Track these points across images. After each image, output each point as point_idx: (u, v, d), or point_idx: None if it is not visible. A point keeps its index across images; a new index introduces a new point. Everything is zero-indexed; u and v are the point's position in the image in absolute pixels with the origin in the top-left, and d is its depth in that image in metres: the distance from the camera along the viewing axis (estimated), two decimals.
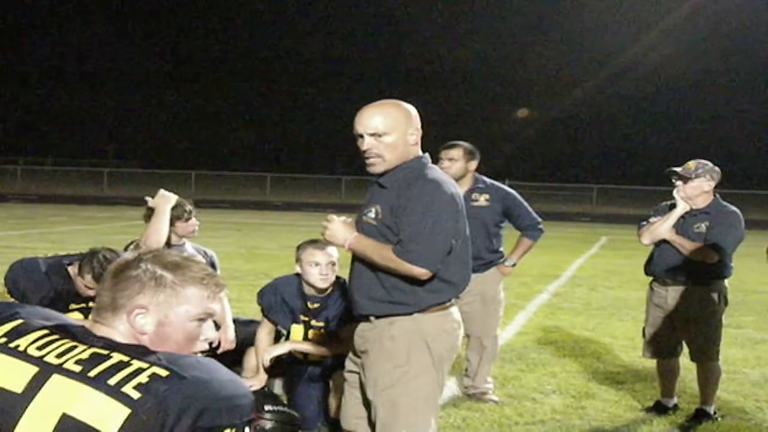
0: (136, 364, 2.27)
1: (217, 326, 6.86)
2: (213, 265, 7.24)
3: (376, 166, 4.25)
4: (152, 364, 2.28)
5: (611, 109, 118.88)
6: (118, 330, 2.44)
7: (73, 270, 5.86)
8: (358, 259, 4.36)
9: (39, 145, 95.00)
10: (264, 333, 6.38)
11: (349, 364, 4.62)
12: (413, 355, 4.23)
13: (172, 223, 7.04)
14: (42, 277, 5.80)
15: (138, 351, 2.35)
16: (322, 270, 6.04)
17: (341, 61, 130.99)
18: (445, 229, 4.12)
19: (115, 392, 2.20)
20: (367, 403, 4.41)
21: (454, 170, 7.18)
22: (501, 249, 7.47)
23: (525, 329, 10.69)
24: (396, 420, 4.24)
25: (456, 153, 7.25)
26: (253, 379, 6.23)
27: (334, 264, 6.06)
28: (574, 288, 15.00)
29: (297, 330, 6.29)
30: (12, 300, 5.70)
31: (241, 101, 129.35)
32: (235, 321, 7.05)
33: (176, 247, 6.97)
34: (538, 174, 62.12)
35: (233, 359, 6.58)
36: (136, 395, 2.19)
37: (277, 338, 6.54)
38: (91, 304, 5.74)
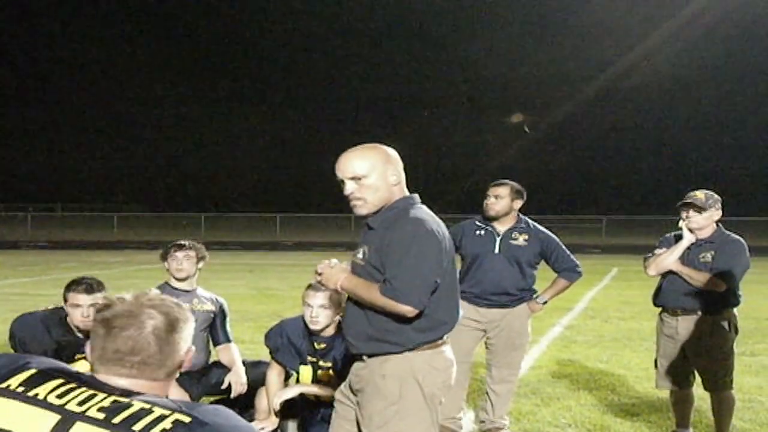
0: (158, 411, 2.32)
1: (228, 370, 6.91)
2: (223, 312, 7.27)
3: (360, 208, 4.32)
4: (173, 410, 2.33)
5: (618, 139, 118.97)
6: (141, 382, 2.49)
7: (70, 320, 5.92)
8: (349, 299, 4.42)
9: (48, 192, 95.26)
10: (273, 374, 6.39)
11: (338, 395, 4.68)
12: (405, 393, 4.28)
13: (165, 259, 7.14)
14: (41, 331, 5.87)
15: (157, 398, 2.40)
16: (312, 312, 6.04)
17: (349, 97, 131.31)
18: (429, 267, 4.15)
19: None
20: None
21: (499, 207, 7.24)
22: (533, 287, 7.47)
23: (539, 363, 10.66)
24: None
25: (503, 191, 7.30)
26: (265, 422, 6.24)
27: (325, 307, 6.03)
28: (587, 320, 14.96)
29: (305, 371, 6.29)
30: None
31: (249, 142, 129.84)
32: (243, 363, 7.06)
33: (187, 293, 6.99)
34: (548, 207, 62.02)
35: (245, 401, 6.60)
36: None
37: (288, 378, 6.55)
38: None
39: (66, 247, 37.70)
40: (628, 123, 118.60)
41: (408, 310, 4.13)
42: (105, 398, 2.36)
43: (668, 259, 6.78)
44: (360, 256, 4.37)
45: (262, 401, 6.50)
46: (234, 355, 7.08)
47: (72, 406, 2.33)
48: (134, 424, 2.27)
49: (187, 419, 2.31)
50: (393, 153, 4.40)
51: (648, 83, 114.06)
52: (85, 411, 2.31)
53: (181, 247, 7.14)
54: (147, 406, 2.34)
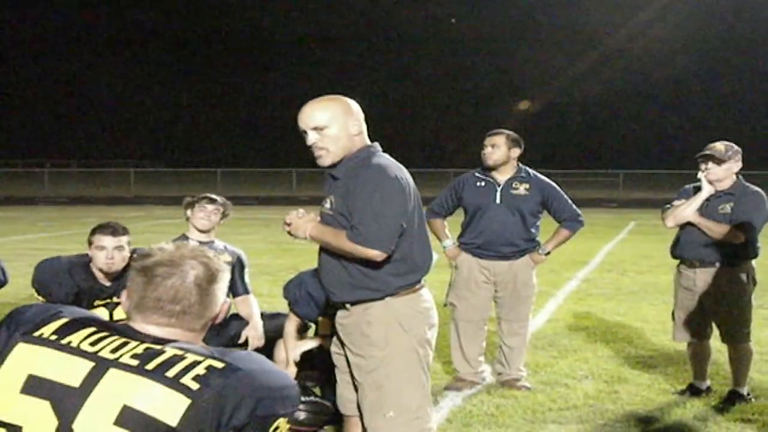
0: (191, 357, 2.36)
1: (246, 323, 6.94)
2: (241, 263, 7.27)
3: (324, 158, 4.42)
4: (206, 357, 2.38)
5: (634, 94, 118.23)
6: (178, 331, 2.53)
7: (94, 265, 5.96)
8: (323, 249, 4.52)
9: (65, 148, 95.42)
10: (291, 326, 6.42)
11: (333, 348, 4.78)
12: (391, 339, 4.39)
13: (191, 208, 7.17)
14: (64, 274, 5.93)
15: (189, 345, 2.45)
16: None
17: (359, 59, 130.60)
18: (393, 211, 4.24)
19: (175, 384, 2.29)
20: (356, 387, 4.57)
21: (496, 157, 7.24)
22: (537, 238, 7.46)
23: (555, 316, 10.69)
24: (383, 402, 4.40)
25: (499, 140, 7.29)
26: None
27: None
28: (604, 273, 14.99)
29: (324, 322, 6.31)
30: (40, 298, 5.85)
31: (264, 97, 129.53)
32: (261, 315, 7.09)
33: (204, 244, 7.01)
34: (564, 161, 61.94)
35: (264, 353, 6.62)
36: (195, 386, 2.28)
37: (306, 330, 6.58)
38: (115, 299, 5.86)
39: (84, 202, 37.83)
40: (644, 76, 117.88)
41: (376, 254, 4.22)
42: (138, 345, 2.40)
43: (687, 210, 6.76)
44: (327, 206, 4.48)
45: (280, 353, 6.53)
46: (252, 307, 7.10)
47: (105, 353, 2.37)
48: (168, 370, 2.31)
49: (220, 365, 2.35)
50: (353, 104, 4.49)
51: (665, 36, 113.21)
52: (119, 358, 2.35)
53: (213, 200, 7.17)
54: (180, 352, 2.38)
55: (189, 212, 7.20)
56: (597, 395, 6.99)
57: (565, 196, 7.47)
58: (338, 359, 4.71)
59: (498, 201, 7.29)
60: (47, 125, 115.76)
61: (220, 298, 2.62)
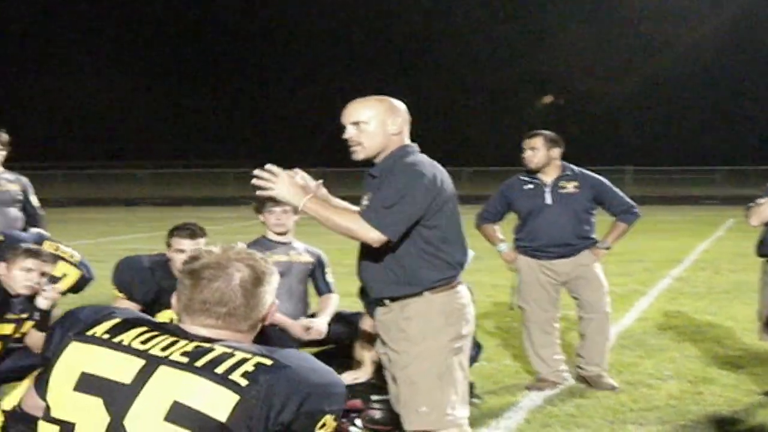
0: (240, 354, 2.42)
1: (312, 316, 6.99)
2: (321, 263, 7.29)
3: (357, 153, 4.51)
4: (254, 354, 2.43)
5: (734, 88, 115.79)
6: (225, 332, 2.59)
7: (173, 265, 6.07)
8: (364, 246, 4.53)
9: (166, 148, 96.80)
10: (367, 326, 6.48)
11: (378, 347, 4.85)
12: (428, 335, 4.43)
13: (260, 212, 7.19)
14: (146, 273, 6.06)
15: (238, 343, 2.50)
16: None
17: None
18: (411, 201, 4.29)
19: (224, 380, 2.34)
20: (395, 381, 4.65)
21: (537, 159, 7.23)
22: (593, 236, 7.40)
23: (645, 315, 10.59)
24: (415, 397, 4.45)
25: (537, 142, 7.27)
26: (359, 371, 6.33)
27: None
28: (698, 272, 14.79)
29: None
30: (121, 296, 5.98)
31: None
32: (340, 314, 7.11)
33: (284, 245, 7.06)
34: (662, 159, 60.94)
35: (342, 351, 6.69)
36: (243, 383, 2.34)
37: None
38: None
39: (185, 203, 38.46)
40: (742, 70, 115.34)
41: (376, 237, 4.27)
42: (187, 344, 2.46)
43: None
44: (366, 203, 4.53)
45: (358, 352, 6.60)
46: (328, 304, 7.12)
47: (156, 351, 2.44)
48: (217, 366, 2.37)
49: (268, 362, 2.40)
50: (399, 105, 4.57)
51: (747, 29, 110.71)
52: (169, 355, 2.42)
53: (279, 201, 7.15)
54: (228, 350, 2.43)
55: (261, 217, 7.22)
56: (680, 396, 6.91)
57: (615, 188, 7.44)
58: (384, 357, 4.78)
59: (549, 202, 7.27)
60: (147, 127, 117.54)
61: (268, 300, 2.65)
